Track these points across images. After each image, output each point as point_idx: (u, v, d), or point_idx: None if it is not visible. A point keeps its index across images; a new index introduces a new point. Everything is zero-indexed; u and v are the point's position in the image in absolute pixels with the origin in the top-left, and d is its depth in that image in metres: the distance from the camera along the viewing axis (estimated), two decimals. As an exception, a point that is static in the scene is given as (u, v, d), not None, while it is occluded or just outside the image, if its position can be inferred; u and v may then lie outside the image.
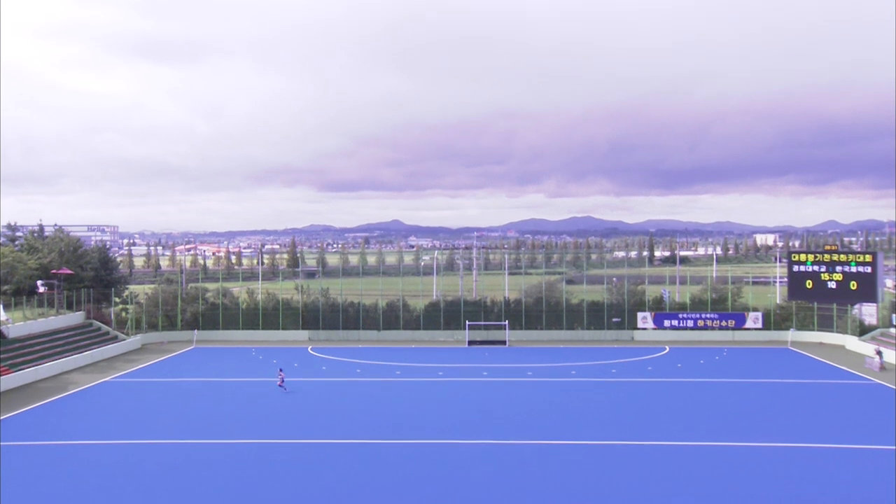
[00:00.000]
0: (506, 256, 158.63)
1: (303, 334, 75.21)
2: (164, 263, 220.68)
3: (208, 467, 31.65)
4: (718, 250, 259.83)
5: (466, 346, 70.67)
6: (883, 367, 55.24)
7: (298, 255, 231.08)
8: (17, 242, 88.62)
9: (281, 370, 51.13)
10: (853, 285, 64.57)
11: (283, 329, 75.67)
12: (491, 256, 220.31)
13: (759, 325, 72.79)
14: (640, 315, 74.44)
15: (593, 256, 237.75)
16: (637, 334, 73.85)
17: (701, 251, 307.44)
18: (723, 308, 75.16)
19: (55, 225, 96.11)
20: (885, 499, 27.06)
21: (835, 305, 69.80)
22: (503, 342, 71.54)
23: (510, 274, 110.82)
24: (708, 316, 73.74)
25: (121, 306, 79.21)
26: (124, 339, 68.29)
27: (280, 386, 48.85)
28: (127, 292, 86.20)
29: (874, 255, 65.67)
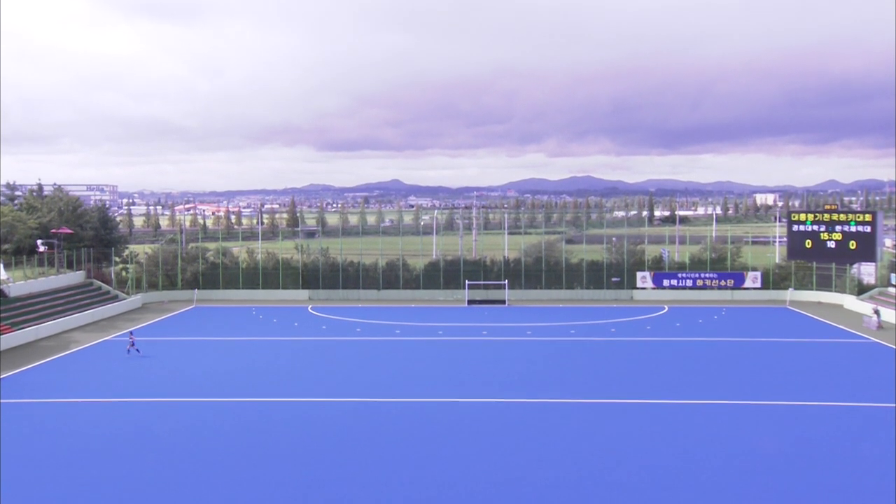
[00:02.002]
0: (505, 216, 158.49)
1: (303, 294, 75.40)
2: (164, 223, 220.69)
3: (209, 425, 31.91)
4: (718, 210, 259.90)
5: (466, 305, 70.87)
6: (881, 326, 55.46)
7: (298, 214, 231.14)
8: (16, 202, 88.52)
9: (132, 333, 49.42)
10: (852, 245, 64.62)
11: (283, 288, 75.85)
12: (491, 216, 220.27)
13: (758, 284, 72.93)
14: (639, 274, 74.54)
15: (593, 216, 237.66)
16: (636, 294, 74.04)
17: (701, 211, 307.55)
18: (722, 268, 75.25)
19: (54, 184, 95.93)
20: (882, 454, 27.32)
21: (834, 265, 69.88)
22: (503, 301, 71.75)
23: (510, 233, 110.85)
24: (707, 275, 73.85)
25: (121, 266, 79.30)
26: (125, 299, 68.46)
27: (130, 350, 46.94)
28: (127, 252, 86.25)
29: (874, 214, 65.63)
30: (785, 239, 73.64)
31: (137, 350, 47.29)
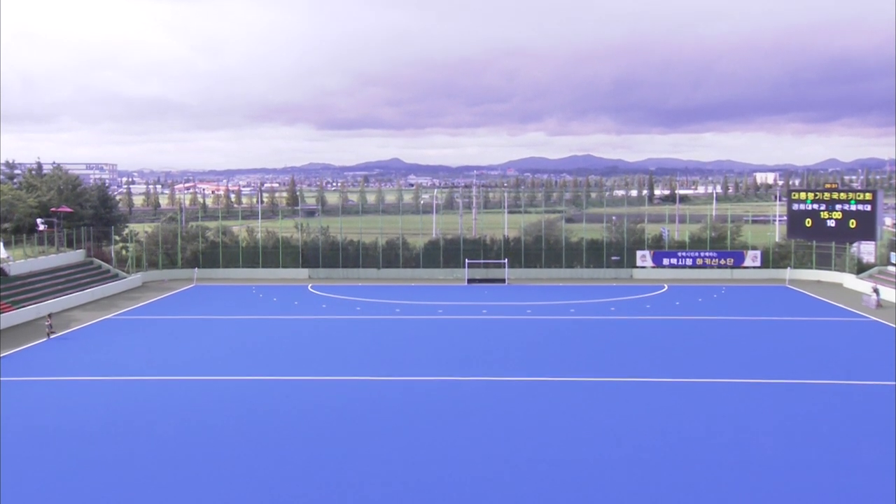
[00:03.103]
0: (505, 195, 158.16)
1: (302, 272, 75.46)
2: (164, 202, 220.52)
3: (208, 403, 32.06)
4: (718, 189, 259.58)
5: (466, 284, 70.94)
6: (880, 304, 55.56)
7: (298, 193, 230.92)
8: (15, 180, 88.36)
9: (50, 316, 48.41)
10: (852, 224, 64.61)
11: (283, 267, 75.90)
12: (490, 195, 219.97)
13: (758, 263, 72.98)
14: (639, 253, 74.57)
15: (593, 195, 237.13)
16: (636, 272, 74.10)
17: (701, 190, 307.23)
18: (721, 246, 75.26)
19: (53, 163, 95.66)
20: (881, 433, 27.46)
21: (833, 244, 69.90)
22: (502, 280, 71.82)
23: (510, 212, 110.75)
24: (707, 254, 73.89)
25: (121, 245, 79.33)
26: (125, 277, 68.53)
27: (49, 334, 46.04)
28: (127, 231, 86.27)
29: (874, 193, 65.58)
30: (785, 218, 73.63)
31: (54, 332, 46.30)
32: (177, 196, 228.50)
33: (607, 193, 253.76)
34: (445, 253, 76.34)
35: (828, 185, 69.34)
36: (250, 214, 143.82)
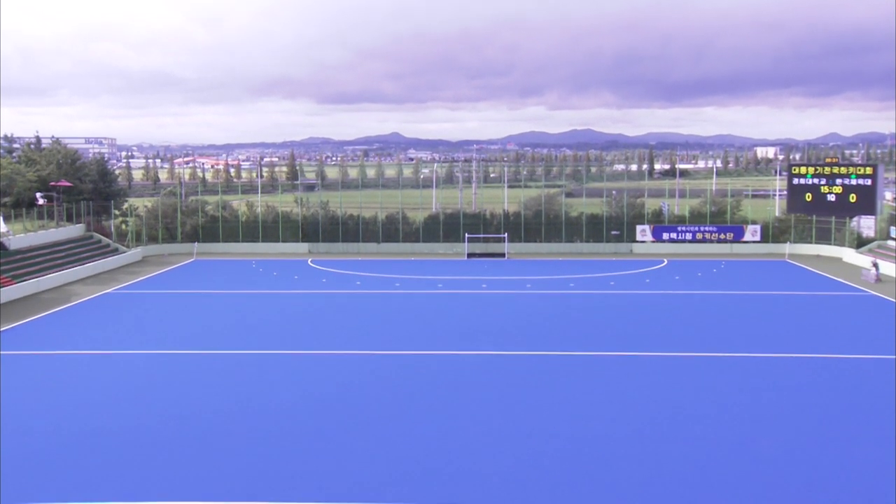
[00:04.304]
0: (505, 169, 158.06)
1: (302, 247, 75.46)
2: (163, 176, 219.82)
3: (209, 377, 32.19)
4: (718, 163, 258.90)
5: (465, 258, 70.97)
6: (879, 279, 55.62)
7: (297, 167, 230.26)
8: (14, 154, 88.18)
9: None
10: (852, 198, 64.48)
11: (283, 241, 75.90)
12: (490, 169, 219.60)
13: (758, 237, 72.99)
14: (638, 228, 74.55)
15: (593, 169, 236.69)
16: (635, 247, 74.13)
17: (701, 164, 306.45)
18: (721, 221, 75.23)
19: (52, 137, 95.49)
20: (879, 406, 27.60)
21: (833, 218, 69.87)
22: (502, 255, 71.85)
23: (510, 187, 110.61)
24: (706, 229, 73.86)
25: (120, 219, 79.29)
26: (125, 252, 68.54)
27: None
28: (126, 205, 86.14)
29: (875, 167, 65.40)
30: (785, 192, 73.47)
31: None
32: (176, 170, 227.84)
33: (607, 168, 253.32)
34: (445, 227, 76.31)
35: (828, 160, 69.14)
36: (250, 189, 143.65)
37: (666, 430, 25.37)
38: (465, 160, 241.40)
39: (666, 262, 67.10)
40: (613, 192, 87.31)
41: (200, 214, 77.00)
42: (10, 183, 71.00)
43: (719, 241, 73.28)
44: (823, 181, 65.82)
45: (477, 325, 42.13)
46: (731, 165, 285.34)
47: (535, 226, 75.84)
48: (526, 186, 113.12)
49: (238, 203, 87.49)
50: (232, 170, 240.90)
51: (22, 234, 61.18)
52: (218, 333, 40.50)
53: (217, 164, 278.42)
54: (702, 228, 73.92)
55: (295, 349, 36.99)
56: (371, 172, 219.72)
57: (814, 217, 71.21)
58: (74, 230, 68.23)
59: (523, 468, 22.37)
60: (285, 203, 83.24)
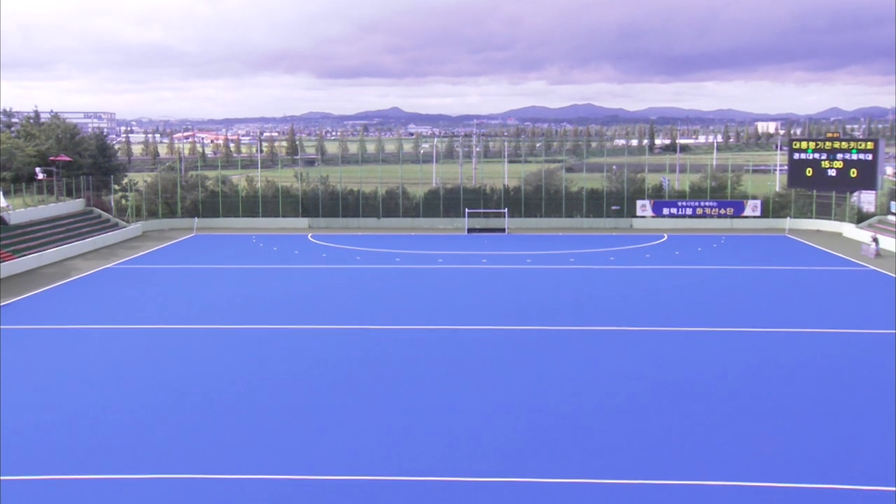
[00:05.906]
0: (505, 144, 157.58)
1: (302, 222, 75.40)
2: (163, 151, 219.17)
3: (209, 351, 32.30)
4: (719, 138, 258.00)
5: (466, 233, 70.96)
6: (878, 253, 55.65)
7: (297, 142, 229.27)
8: (13, 129, 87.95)
9: None
10: (853, 173, 64.36)
11: (283, 216, 75.84)
12: (491, 144, 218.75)
13: (758, 212, 72.92)
14: (639, 203, 74.47)
15: (593, 144, 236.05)
16: (636, 222, 74.08)
17: (702, 139, 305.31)
18: (722, 196, 75.14)
19: (51, 111, 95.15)
20: (879, 380, 27.73)
21: (834, 193, 69.77)
22: (502, 230, 71.82)
23: (510, 162, 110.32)
24: (707, 204, 73.76)
25: (120, 194, 79.20)
26: (125, 227, 68.52)
27: None
28: (126, 180, 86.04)
29: (876, 142, 65.27)
30: (785, 167, 73.36)
31: None
32: (176, 145, 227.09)
33: (608, 143, 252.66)
34: (445, 202, 76.23)
35: (829, 135, 68.85)
36: (250, 164, 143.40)
37: (665, 404, 25.50)
38: (466, 135, 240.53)
39: (666, 237, 67.10)
40: (614, 166, 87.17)
41: (200, 189, 76.89)
42: (9, 157, 70.86)
43: (719, 216, 73.21)
44: (824, 156, 65.67)
45: (477, 300, 42.21)
46: (731, 140, 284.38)
47: (536, 201, 75.73)
48: (526, 161, 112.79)
49: (238, 178, 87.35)
50: (232, 145, 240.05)
51: (22, 209, 61.15)
52: (219, 308, 40.59)
53: (217, 139, 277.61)
54: (702, 203, 73.81)
55: (295, 324, 37.09)
56: (371, 147, 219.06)
57: (814, 192, 71.11)
58: (74, 205, 68.17)
59: (522, 440, 22.50)
60: (285, 178, 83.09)
